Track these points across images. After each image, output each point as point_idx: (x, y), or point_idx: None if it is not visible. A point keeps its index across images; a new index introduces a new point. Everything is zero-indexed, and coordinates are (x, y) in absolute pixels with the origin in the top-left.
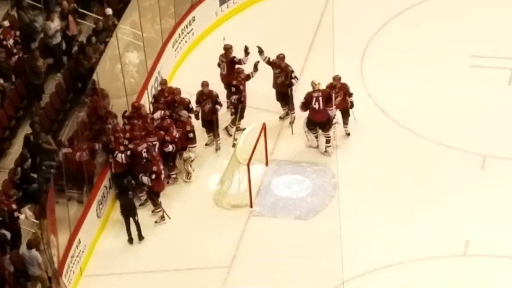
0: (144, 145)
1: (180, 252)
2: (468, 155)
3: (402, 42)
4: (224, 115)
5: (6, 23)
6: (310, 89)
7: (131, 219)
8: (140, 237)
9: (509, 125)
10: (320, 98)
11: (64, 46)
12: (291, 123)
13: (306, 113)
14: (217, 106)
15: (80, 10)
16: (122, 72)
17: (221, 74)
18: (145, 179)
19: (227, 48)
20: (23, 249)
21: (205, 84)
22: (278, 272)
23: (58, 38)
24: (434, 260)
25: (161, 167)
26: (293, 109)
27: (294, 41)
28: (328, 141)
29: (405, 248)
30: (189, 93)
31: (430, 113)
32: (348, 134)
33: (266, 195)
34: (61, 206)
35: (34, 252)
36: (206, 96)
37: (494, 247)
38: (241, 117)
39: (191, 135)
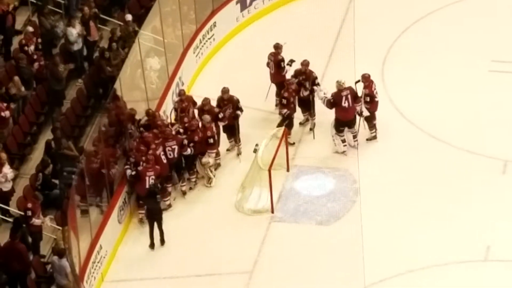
0: (152, 173)
1: (202, 257)
2: (489, 160)
3: (423, 46)
4: (245, 120)
5: (31, 29)
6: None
7: (155, 224)
8: (162, 242)
9: None
10: (349, 96)
11: (85, 52)
12: (312, 129)
13: (329, 119)
14: (238, 112)
15: (101, 15)
16: (144, 77)
17: (270, 73)
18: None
19: (276, 47)
20: (53, 257)
21: (225, 91)
22: (299, 278)
23: (79, 44)
24: (455, 265)
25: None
26: (314, 115)
27: (315, 45)
28: (355, 136)
29: (426, 253)
30: (211, 98)
31: (451, 118)
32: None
33: (287, 201)
34: (83, 212)
35: (64, 261)
36: (227, 101)
37: None
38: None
39: (211, 140)
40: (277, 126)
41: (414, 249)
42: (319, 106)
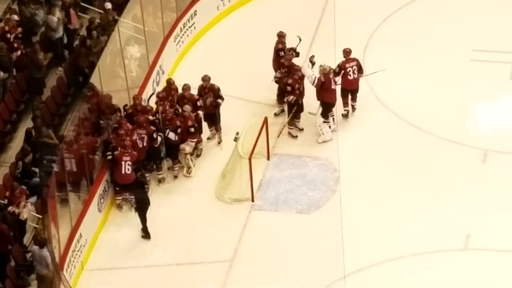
0: (128, 158)
1: (182, 246)
2: (469, 149)
3: (404, 36)
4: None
5: (15, 17)
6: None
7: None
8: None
9: (510, 119)
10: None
11: (65, 40)
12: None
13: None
14: (219, 100)
15: (81, 3)
16: (124, 66)
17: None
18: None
19: (279, 35)
20: (34, 246)
21: (206, 79)
22: (280, 266)
23: (60, 32)
24: (435, 254)
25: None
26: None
27: (295, 34)
28: (334, 119)
29: (406, 242)
30: (192, 87)
31: (432, 107)
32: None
33: (267, 189)
34: (62, 200)
35: (45, 251)
36: (208, 90)
37: (495, 241)
38: (296, 116)
39: (192, 129)
40: (288, 114)
41: (394, 238)
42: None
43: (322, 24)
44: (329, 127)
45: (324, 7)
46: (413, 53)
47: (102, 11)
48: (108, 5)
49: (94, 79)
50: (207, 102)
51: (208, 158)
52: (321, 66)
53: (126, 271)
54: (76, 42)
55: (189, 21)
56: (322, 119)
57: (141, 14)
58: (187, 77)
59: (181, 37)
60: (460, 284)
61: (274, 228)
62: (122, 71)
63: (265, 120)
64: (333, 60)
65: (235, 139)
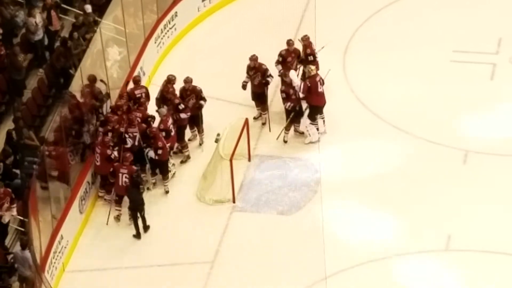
0: (126, 170)
1: (163, 247)
2: (450, 150)
3: (384, 37)
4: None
5: None
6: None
7: (139, 214)
8: (146, 228)
9: (491, 121)
10: (321, 80)
11: (46, 41)
12: (264, 124)
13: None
14: (202, 102)
15: (62, 5)
16: (105, 67)
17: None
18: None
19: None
20: (16, 247)
21: (188, 81)
22: (261, 267)
23: (40, 34)
24: (416, 255)
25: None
26: (267, 108)
27: (277, 36)
28: (324, 121)
29: (388, 243)
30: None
31: (412, 108)
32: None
33: (248, 191)
34: (44, 202)
35: (27, 253)
36: (190, 92)
37: (476, 242)
38: (295, 121)
39: (163, 133)
40: (287, 120)
41: (375, 238)
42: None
43: (302, 25)
44: (317, 129)
45: (305, 8)
46: (394, 54)
47: (82, 13)
48: (88, 8)
49: (75, 81)
50: (190, 104)
51: (189, 160)
52: (308, 67)
53: (108, 272)
54: (57, 44)
55: (169, 23)
56: (309, 121)
57: (122, 16)
58: None
59: (162, 38)
60: (441, 285)
61: (255, 229)
62: (104, 73)
63: (246, 122)
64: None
65: (216, 141)
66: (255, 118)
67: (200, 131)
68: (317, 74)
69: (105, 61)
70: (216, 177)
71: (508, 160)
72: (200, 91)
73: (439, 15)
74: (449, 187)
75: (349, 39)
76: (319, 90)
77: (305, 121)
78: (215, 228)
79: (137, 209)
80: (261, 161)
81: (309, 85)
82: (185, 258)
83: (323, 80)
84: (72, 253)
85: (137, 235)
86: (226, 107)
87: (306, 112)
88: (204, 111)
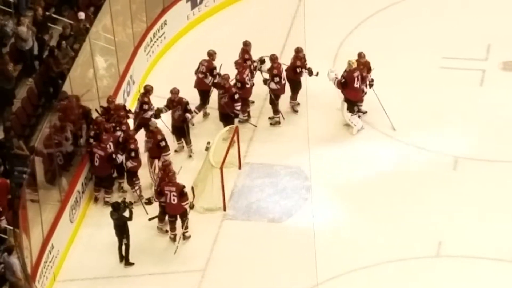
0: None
1: (155, 256)
2: (440, 156)
3: (374, 44)
4: (197, 117)
5: None
6: None
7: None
8: (127, 262)
9: (480, 127)
10: (360, 76)
11: (36, 50)
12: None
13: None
14: (187, 114)
15: (52, 15)
16: (95, 76)
17: None
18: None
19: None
20: (4, 253)
21: (174, 92)
22: (252, 275)
23: (30, 43)
24: (407, 261)
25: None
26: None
27: (266, 44)
28: (360, 110)
29: (379, 250)
30: (161, 97)
31: (403, 114)
32: (365, 112)
33: (239, 199)
34: (34, 212)
35: (12, 258)
36: (176, 103)
37: (466, 248)
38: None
39: (162, 143)
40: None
41: (367, 245)
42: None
43: (292, 32)
44: (359, 116)
45: (295, 14)
46: (384, 61)
47: (72, 22)
48: (82, 15)
49: (65, 90)
50: (175, 116)
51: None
52: (348, 61)
53: (99, 281)
54: (46, 53)
55: (159, 31)
56: (349, 114)
57: (111, 25)
58: (158, 87)
59: (151, 47)
60: None
61: (247, 237)
62: (93, 81)
63: (236, 129)
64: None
65: (206, 149)
66: (240, 122)
67: (188, 143)
68: (354, 70)
69: (94, 70)
70: (207, 185)
71: (498, 166)
72: (186, 103)
73: (428, 22)
74: (439, 193)
75: (339, 46)
76: (355, 85)
77: (346, 114)
78: (206, 236)
79: (116, 232)
80: (251, 169)
81: (342, 81)
82: (177, 267)
83: (369, 79)
84: (63, 263)
85: (120, 259)
86: (216, 115)
87: (345, 106)
88: (194, 118)
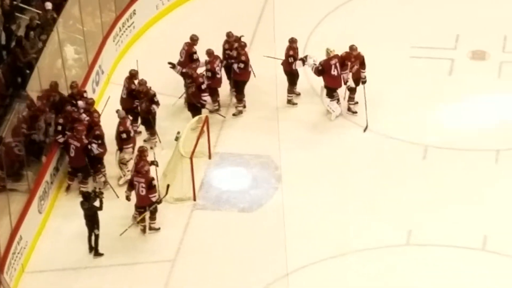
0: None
1: (124, 246)
2: (410, 145)
3: (343, 34)
4: (165, 108)
5: None
6: None
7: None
8: (96, 252)
9: (450, 115)
10: (337, 64)
11: (4, 40)
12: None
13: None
14: (154, 106)
15: (20, 4)
16: (63, 66)
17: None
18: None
19: (193, 39)
20: None
21: (142, 83)
22: (223, 265)
23: None
24: (377, 250)
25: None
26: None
27: (235, 33)
28: (338, 100)
29: (349, 239)
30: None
31: (373, 104)
32: (355, 112)
33: (209, 188)
34: (2, 203)
35: None
36: (143, 94)
37: (436, 236)
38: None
39: (123, 135)
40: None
41: (337, 234)
42: None
43: (261, 23)
44: (337, 101)
45: (264, 5)
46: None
47: (40, 12)
48: (49, 5)
49: (33, 80)
50: (143, 107)
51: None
52: (327, 49)
53: (68, 272)
54: (13, 43)
55: (128, 21)
56: (328, 99)
57: (80, 14)
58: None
59: (120, 36)
60: (402, 279)
61: (217, 227)
62: (62, 71)
63: (206, 119)
64: (273, 60)
65: (176, 139)
66: (210, 112)
67: (153, 134)
68: (332, 58)
69: (62, 60)
70: (177, 175)
71: (467, 155)
72: (154, 95)
73: (397, 12)
74: (409, 182)
75: (308, 37)
76: (332, 72)
77: (325, 100)
78: (176, 226)
79: (86, 222)
80: (221, 159)
81: (320, 68)
82: (147, 257)
83: (362, 77)
84: (31, 254)
85: (89, 249)
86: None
87: (324, 92)
88: (163, 109)
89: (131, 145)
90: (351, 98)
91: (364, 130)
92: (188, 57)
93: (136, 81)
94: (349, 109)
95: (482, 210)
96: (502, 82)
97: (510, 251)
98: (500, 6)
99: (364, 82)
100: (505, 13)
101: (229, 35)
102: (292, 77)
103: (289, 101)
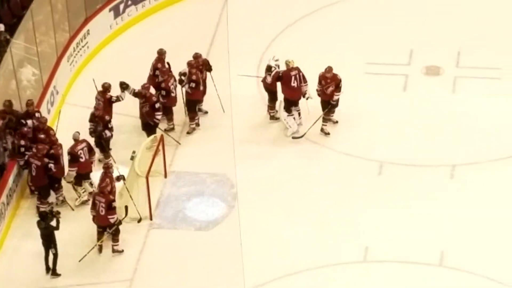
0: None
1: (82, 266)
2: (365, 162)
3: (298, 50)
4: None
5: None
6: None
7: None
8: (53, 273)
9: (405, 131)
10: (298, 76)
11: None
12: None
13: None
14: (107, 131)
15: None
16: (18, 87)
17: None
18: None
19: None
20: None
21: (98, 108)
22: (180, 284)
23: None
24: (335, 266)
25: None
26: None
27: (189, 51)
28: (299, 114)
29: (306, 256)
30: (85, 107)
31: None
32: (327, 134)
33: (165, 207)
34: None
35: None
36: (98, 119)
37: (393, 252)
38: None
39: (69, 157)
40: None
41: (293, 252)
42: None
43: (216, 39)
44: (294, 118)
45: (218, 22)
46: (308, 67)
47: None
48: (1, 27)
49: None
50: (98, 131)
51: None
52: (286, 61)
53: None
54: None
55: (82, 41)
56: (286, 113)
57: (34, 35)
58: (82, 97)
59: (74, 56)
60: None
61: (174, 246)
62: (16, 93)
63: (162, 138)
64: (227, 75)
65: (132, 158)
66: (165, 131)
67: (106, 157)
68: (293, 69)
69: (16, 81)
70: (133, 194)
71: (423, 170)
72: (109, 121)
73: (353, 28)
74: (365, 199)
75: (264, 51)
76: (292, 84)
77: (282, 114)
78: (133, 246)
79: (43, 242)
80: (177, 178)
81: (280, 74)
82: (104, 277)
83: (303, 78)
84: None
85: (46, 270)
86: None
87: (282, 105)
88: (118, 128)
89: (75, 168)
90: (325, 120)
91: (298, 137)
92: (154, 71)
93: (108, 94)
94: (322, 130)
95: (439, 226)
96: (456, 97)
97: (468, 266)
98: (453, 22)
99: (334, 105)
100: (458, 29)
101: (196, 56)
102: (272, 93)
103: (272, 117)
